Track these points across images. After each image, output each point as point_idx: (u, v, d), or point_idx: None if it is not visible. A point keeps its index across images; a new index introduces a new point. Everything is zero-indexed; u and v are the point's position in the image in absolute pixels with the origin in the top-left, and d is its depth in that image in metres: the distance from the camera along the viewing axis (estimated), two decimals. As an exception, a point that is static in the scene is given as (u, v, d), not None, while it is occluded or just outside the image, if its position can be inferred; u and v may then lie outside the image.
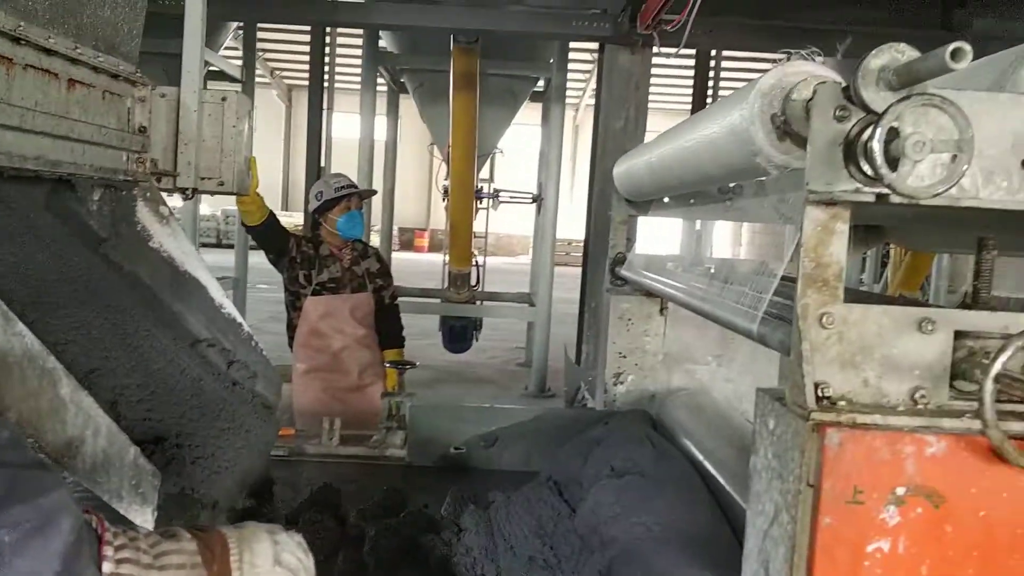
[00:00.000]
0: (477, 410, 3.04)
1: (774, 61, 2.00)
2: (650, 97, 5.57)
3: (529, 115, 11.77)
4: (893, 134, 1.05)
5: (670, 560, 1.72)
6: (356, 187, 4.53)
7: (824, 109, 1.16)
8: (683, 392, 2.96)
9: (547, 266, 9.12)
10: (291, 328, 4.46)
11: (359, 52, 9.64)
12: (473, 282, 9.00)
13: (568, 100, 11.81)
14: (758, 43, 5.90)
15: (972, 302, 1.32)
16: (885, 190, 1.09)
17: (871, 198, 1.14)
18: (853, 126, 1.10)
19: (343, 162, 9.79)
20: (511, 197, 9.49)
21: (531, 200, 9.55)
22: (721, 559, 1.68)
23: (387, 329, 4.57)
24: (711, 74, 9.69)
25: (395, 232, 14.68)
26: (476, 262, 8.98)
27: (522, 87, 9.45)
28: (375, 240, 9.98)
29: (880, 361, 1.22)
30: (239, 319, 2.08)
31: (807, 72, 1.34)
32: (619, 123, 5.50)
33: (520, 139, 16.97)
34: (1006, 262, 1.96)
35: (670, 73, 16.14)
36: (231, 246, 10.93)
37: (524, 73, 9.10)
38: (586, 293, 7.45)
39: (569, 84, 10.13)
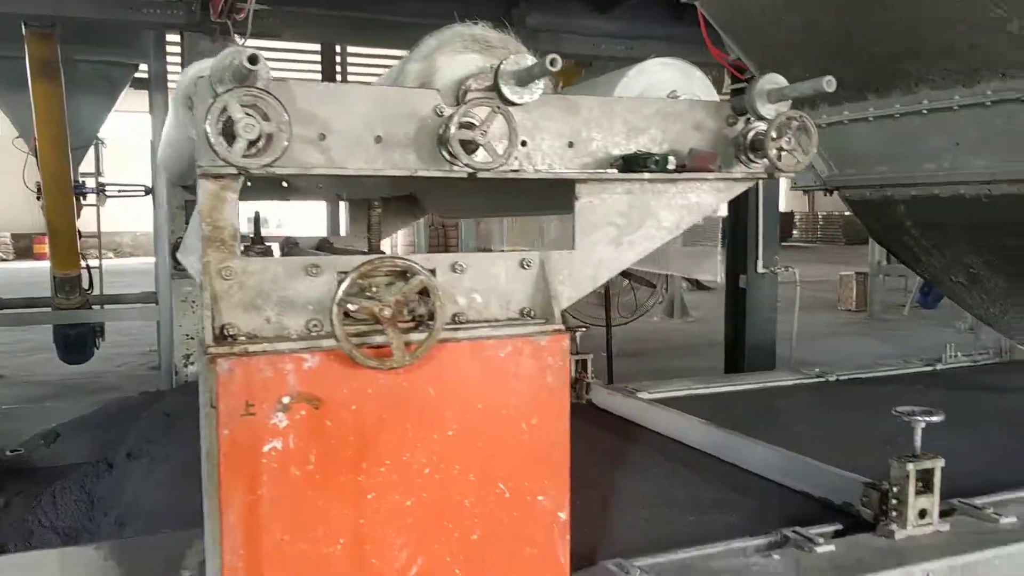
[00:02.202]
0: (29, 410, 2.97)
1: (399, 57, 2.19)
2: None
3: (140, 103, 11.09)
4: (230, 118, 1.34)
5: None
6: None
7: (201, 99, 1.41)
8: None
9: (168, 261, 8.76)
10: None
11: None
12: (86, 285, 8.37)
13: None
14: (338, 35, 6.22)
15: (368, 250, 1.68)
16: (231, 168, 1.37)
17: (233, 170, 1.41)
18: (208, 112, 1.37)
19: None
20: (120, 191, 8.93)
21: (144, 192, 9.07)
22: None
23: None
24: (338, 68, 9.95)
25: (6, 239, 12.99)
26: (87, 264, 8.35)
27: (120, 74, 8.90)
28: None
29: (277, 302, 1.51)
30: None
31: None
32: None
33: (137, 128, 15.84)
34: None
35: (301, 68, 16.16)
36: None
37: (120, 59, 8.59)
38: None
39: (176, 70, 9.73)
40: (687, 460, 2.96)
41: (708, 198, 1.81)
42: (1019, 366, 4.64)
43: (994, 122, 3.07)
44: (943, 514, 2.31)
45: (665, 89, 1.94)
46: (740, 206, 7.20)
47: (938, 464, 2.17)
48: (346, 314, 1.53)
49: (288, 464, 1.45)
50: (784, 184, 4.68)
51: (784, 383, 4.20)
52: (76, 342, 8.62)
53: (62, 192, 7.71)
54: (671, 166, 1.69)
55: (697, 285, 17.07)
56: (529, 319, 1.68)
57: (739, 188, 1.84)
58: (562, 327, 1.64)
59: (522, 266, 1.69)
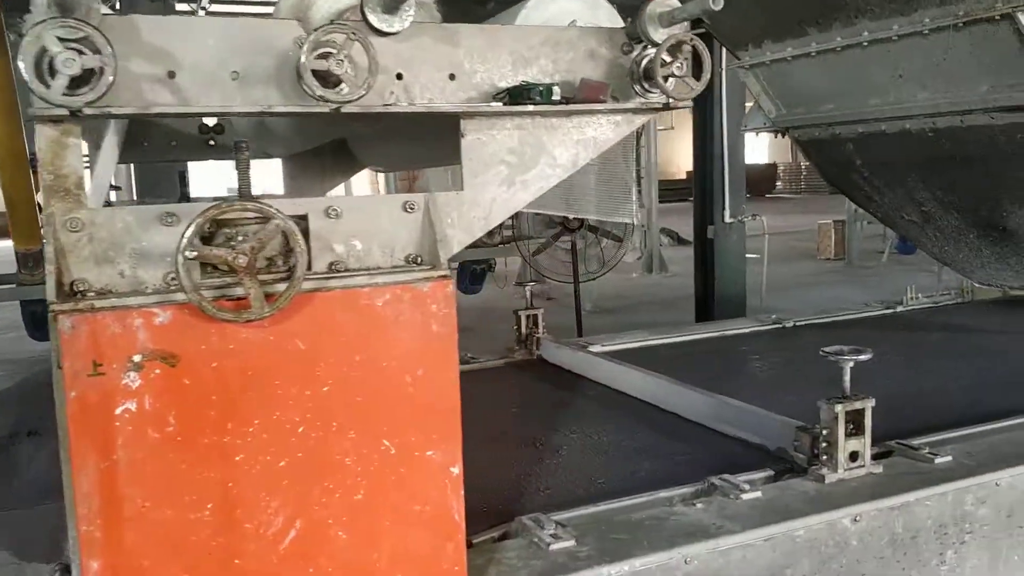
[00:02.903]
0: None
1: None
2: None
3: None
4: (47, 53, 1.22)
5: None
6: None
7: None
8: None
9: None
10: None
11: None
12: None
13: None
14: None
15: (239, 196, 1.57)
16: (56, 108, 1.26)
17: (65, 111, 1.30)
18: (22, 48, 1.25)
19: None
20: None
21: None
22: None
23: None
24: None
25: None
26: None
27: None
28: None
29: (131, 255, 1.41)
30: None
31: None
32: None
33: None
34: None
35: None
36: None
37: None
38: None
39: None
40: (629, 411, 2.89)
41: (606, 132, 1.71)
42: (980, 305, 4.58)
43: (934, 51, 2.96)
44: (880, 456, 2.25)
45: (567, 19, 1.83)
46: (706, 156, 7.10)
47: (868, 404, 2.10)
48: (213, 266, 1.44)
49: (144, 426, 1.36)
50: (766, 135, 4.58)
51: (740, 331, 4.13)
52: (44, 319, 8.49)
53: (18, 164, 7.50)
54: (556, 97, 1.58)
55: (677, 240, 17.00)
56: (416, 266, 1.58)
57: (638, 120, 1.73)
58: (447, 272, 1.54)
59: (406, 209, 1.59)
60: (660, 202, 14.70)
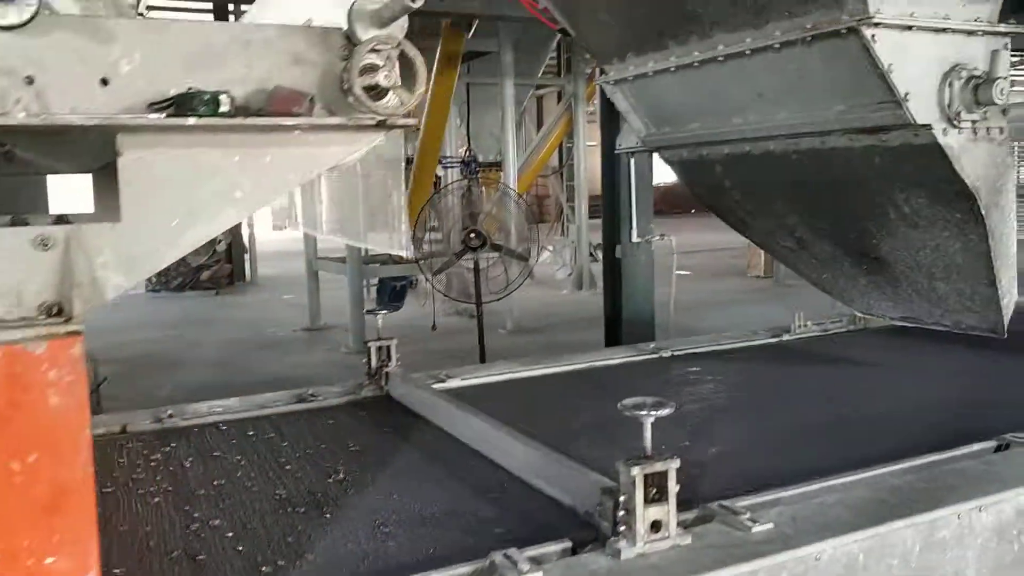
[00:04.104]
0: None
1: None
2: None
3: None
4: None
5: None
6: None
7: None
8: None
9: None
10: None
11: None
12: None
13: None
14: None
15: None
16: None
17: None
18: None
19: None
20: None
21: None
22: None
23: None
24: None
25: None
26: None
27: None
28: None
29: None
30: None
31: None
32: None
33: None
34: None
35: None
36: None
37: None
38: None
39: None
40: (449, 463, 2.58)
41: (317, 153, 1.40)
42: (871, 334, 4.39)
43: (788, 68, 2.74)
44: (699, 521, 1.99)
45: (303, 17, 1.53)
46: (613, 174, 6.87)
47: (671, 466, 1.82)
48: None
49: None
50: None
51: (611, 361, 3.86)
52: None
53: None
54: (225, 108, 1.28)
55: (609, 256, 16.84)
56: (53, 317, 1.26)
57: (363, 139, 1.43)
58: (78, 328, 1.22)
59: (38, 245, 1.26)
60: (591, 217, 14.52)
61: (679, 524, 1.88)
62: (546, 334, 10.44)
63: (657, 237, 6.99)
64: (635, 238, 6.91)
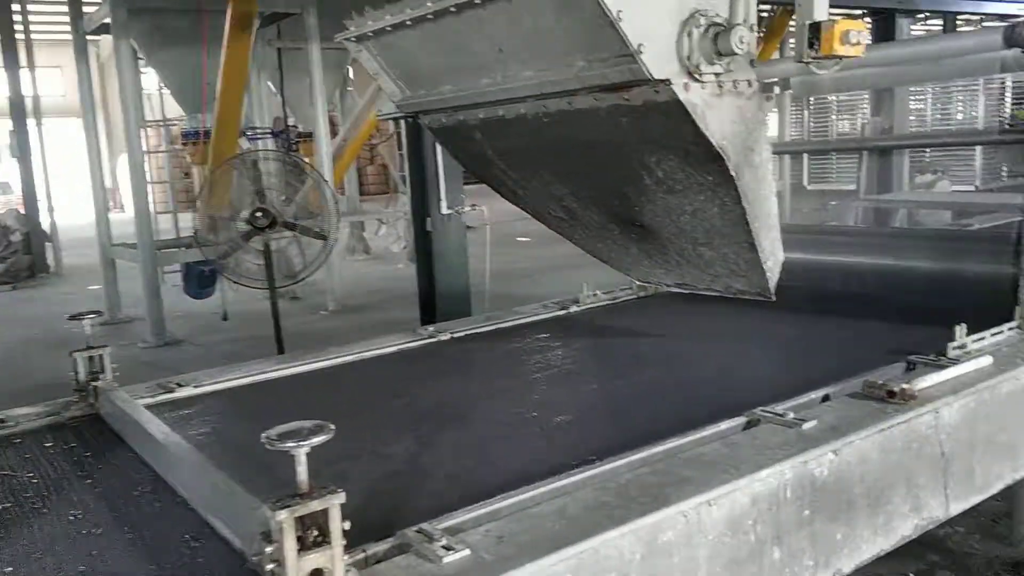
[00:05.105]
0: None
1: None
2: None
3: None
4: None
5: None
6: None
7: None
8: None
9: None
10: None
11: None
12: None
13: None
14: None
15: None
16: None
17: None
18: None
19: None
20: None
21: None
22: None
23: None
24: None
25: None
26: None
27: None
28: None
29: None
30: None
31: None
32: None
33: None
34: None
35: None
36: None
37: None
38: None
39: None
40: (134, 499, 2.15)
41: None
42: (656, 301, 4.25)
43: (523, 20, 2.45)
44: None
45: None
46: (419, 143, 6.50)
47: (334, 502, 1.48)
48: None
49: None
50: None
51: (384, 350, 3.52)
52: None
53: None
54: None
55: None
56: None
57: None
58: None
59: None
60: (425, 188, 14.12)
61: (354, 565, 1.56)
62: (370, 312, 10.01)
63: (468, 208, 6.70)
64: (444, 210, 6.59)
